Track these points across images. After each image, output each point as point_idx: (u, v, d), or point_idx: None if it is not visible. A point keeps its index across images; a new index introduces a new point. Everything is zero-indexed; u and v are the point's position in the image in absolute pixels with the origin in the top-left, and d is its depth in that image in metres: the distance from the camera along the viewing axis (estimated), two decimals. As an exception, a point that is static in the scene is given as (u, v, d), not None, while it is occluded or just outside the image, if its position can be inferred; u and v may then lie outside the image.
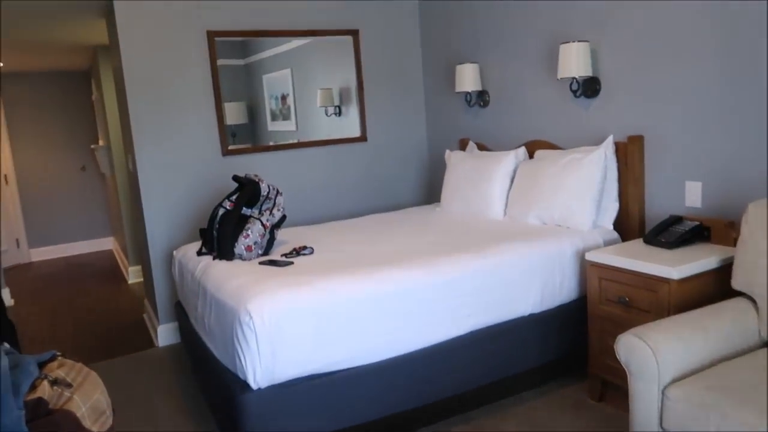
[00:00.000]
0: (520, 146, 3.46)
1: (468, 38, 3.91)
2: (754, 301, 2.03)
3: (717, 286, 2.25)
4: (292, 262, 2.65)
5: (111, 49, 4.20)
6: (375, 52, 4.25)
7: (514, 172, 3.32)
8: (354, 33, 4.16)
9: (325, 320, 2.24)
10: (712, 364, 1.88)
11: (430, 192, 4.51)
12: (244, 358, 2.13)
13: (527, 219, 3.09)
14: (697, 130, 2.58)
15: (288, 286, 2.28)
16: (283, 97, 4.11)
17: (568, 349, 2.76)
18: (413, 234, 3.11)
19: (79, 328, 4.41)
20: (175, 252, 3.28)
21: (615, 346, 1.93)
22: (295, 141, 4.12)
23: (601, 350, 2.51)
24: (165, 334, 3.81)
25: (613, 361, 2.17)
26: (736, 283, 2.08)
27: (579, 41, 2.95)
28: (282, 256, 2.79)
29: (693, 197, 2.63)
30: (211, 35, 3.71)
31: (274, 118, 4.11)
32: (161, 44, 3.59)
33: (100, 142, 6.58)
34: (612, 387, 2.54)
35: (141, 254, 4.70)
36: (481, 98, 3.86)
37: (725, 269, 2.23)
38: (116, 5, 3.47)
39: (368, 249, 2.84)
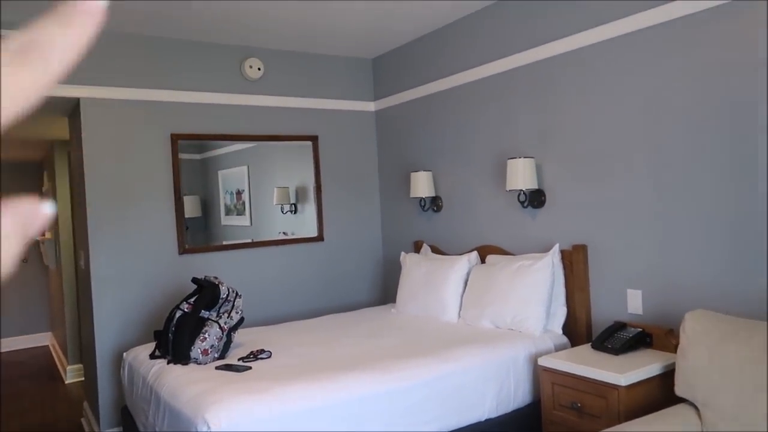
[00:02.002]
0: (472, 250, 3.62)
1: (422, 148, 4.16)
2: (696, 408, 2.15)
3: (662, 392, 2.37)
4: (250, 367, 2.63)
5: (71, 144, 4.24)
6: (333, 157, 4.44)
7: (468, 275, 3.46)
8: (314, 138, 4.36)
9: (284, 429, 2.21)
10: (662, 472, 1.95)
11: (385, 292, 4.59)
12: (199, 471, 2.06)
13: (481, 322, 3.19)
14: (634, 241, 2.80)
15: (247, 393, 2.26)
16: (238, 193, 4.20)
17: (524, 455, 2.78)
18: (369, 337, 3.14)
19: (9, 434, 4.12)
20: (125, 354, 3.19)
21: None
22: (250, 239, 4.16)
23: (556, 456, 2.55)
24: (106, 442, 3.60)
25: (568, 468, 2.21)
26: (679, 390, 2.20)
27: (525, 157, 3.20)
28: (239, 359, 2.76)
29: (634, 304, 2.81)
30: (175, 138, 3.82)
31: (228, 212, 4.17)
32: (124, 143, 3.66)
33: (47, 235, 6.42)
34: (568, 494, 2.55)
35: (83, 353, 4.50)
36: (434, 203, 4.06)
37: (668, 375, 2.35)
38: (82, 105, 3.55)
39: (325, 353, 2.85)
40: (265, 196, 4.26)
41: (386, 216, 4.60)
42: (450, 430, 2.59)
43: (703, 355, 2.12)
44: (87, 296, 3.74)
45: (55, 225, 5.58)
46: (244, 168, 4.21)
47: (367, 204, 4.60)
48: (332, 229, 4.43)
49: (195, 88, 3.89)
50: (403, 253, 3.98)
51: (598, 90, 2.93)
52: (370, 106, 4.61)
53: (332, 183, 4.44)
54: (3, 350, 6.89)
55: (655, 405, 2.28)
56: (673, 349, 2.48)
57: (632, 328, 2.65)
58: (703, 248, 2.53)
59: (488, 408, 2.69)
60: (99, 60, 3.57)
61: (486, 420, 2.69)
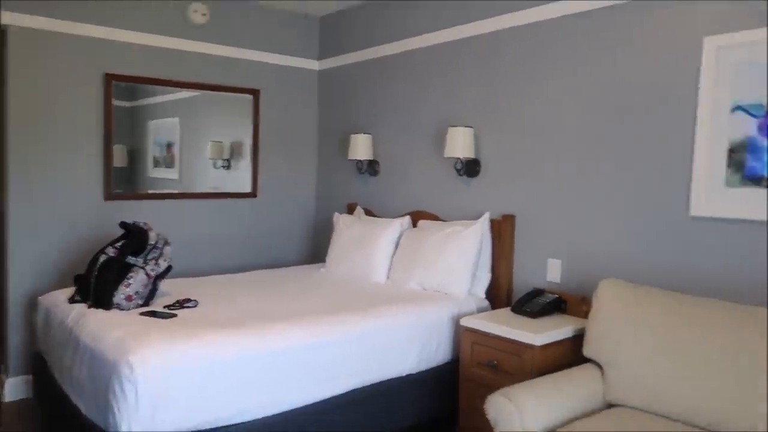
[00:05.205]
0: (405, 215, 3.69)
1: (364, 111, 4.17)
2: (601, 367, 2.32)
3: (572, 353, 2.54)
4: (175, 315, 2.60)
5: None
6: (273, 113, 4.37)
7: (399, 239, 3.53)
8: (255, 92, 4.27)
9: (209, 375, 2.22)
10: (568, 422, 2.10)
11: (315, 252, 4.60)
12: (119, 413, 2.05)
13: (408, 284, 3.28)
14: (559, 214, 2.96)
15: (172, 338, 2.24)
16: (169, 146, 4.07)
17: (442, 408, 2.91)
18: (298, 293, 3.17)
19: None
20: (41, 298, 3.06)
21: (485, 406, 2.11)
22: (177, 191, 4.04)
23: (471, 410, 2.68)
24: (14, 389, 3.47)
25: (481, 421, 2.33)
26: (587, 351, 2.37)
27: (465, 126, 3.28)
28: (164, 307, 2.72)
29: (554, 273, 2.97)
30: (109, 78, 3.64)
31: (156, 164, 4.03)
32: (54, 79, 3.47)
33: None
34: (479, 447, 2.70)
35: (-6, 298, 4.28)
36: (371, 167, 4.09)
37: (579, 338, 2.52)
38: (10, 34, 3.32)
39: (253, 305, 2.85)
40: (198, 150, 4.15)
41: (322, 176, 4.60)
42: (372, 383, 2.67)
43: (611, 319, 2.29)
44: (1, 236, 3.56)
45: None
46: (176, 120, 4.08)
47: (303, 163, 4.58)
48: (266, 185, 4.39)
49: (135, 27, 3.71)
50: (336, 213, 4.00)
51: (541, 67, 3.03)
52: (314, 65, 4.55)
53: (270, 139, 4.38)
54: None
55: (566, 365, 2.45)
56: (585, 315, 2.65)
57: (549, 294, 2.81)
58: (620, 225, 2.70)
59: (410, 364, 2.79)
60: (27, -14, 3.34)
61: (407, 375, 2.79)
